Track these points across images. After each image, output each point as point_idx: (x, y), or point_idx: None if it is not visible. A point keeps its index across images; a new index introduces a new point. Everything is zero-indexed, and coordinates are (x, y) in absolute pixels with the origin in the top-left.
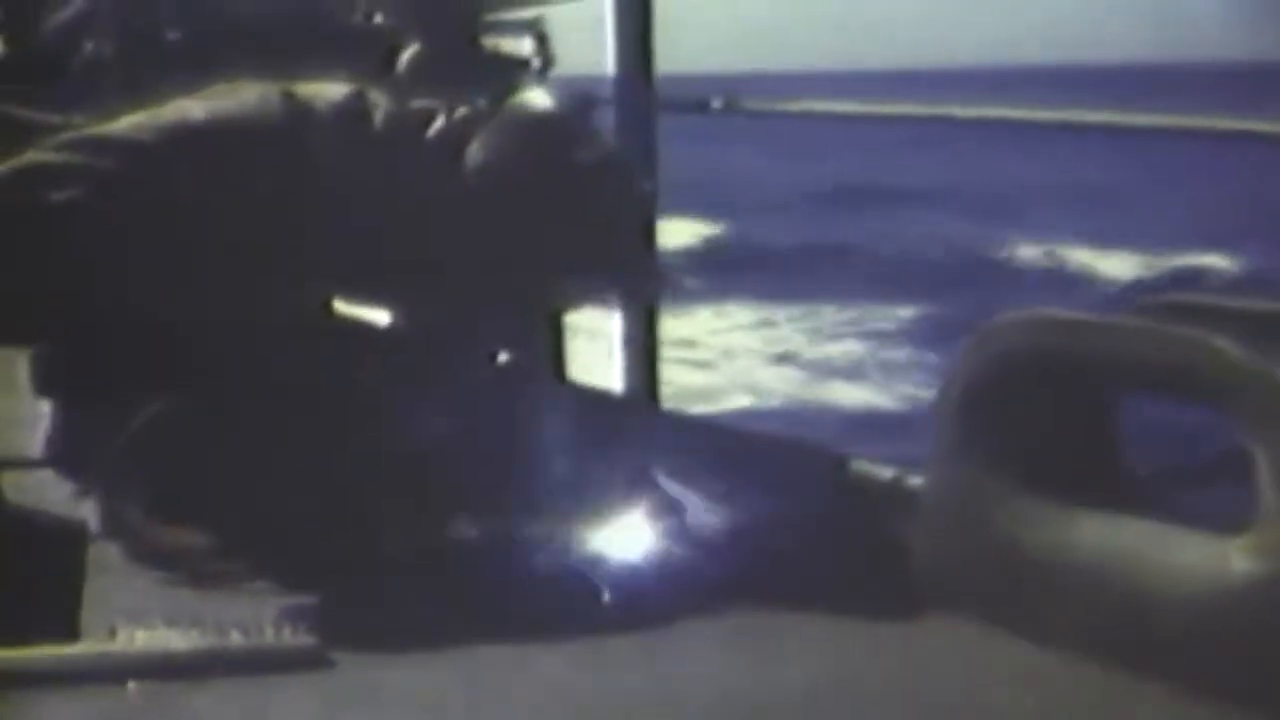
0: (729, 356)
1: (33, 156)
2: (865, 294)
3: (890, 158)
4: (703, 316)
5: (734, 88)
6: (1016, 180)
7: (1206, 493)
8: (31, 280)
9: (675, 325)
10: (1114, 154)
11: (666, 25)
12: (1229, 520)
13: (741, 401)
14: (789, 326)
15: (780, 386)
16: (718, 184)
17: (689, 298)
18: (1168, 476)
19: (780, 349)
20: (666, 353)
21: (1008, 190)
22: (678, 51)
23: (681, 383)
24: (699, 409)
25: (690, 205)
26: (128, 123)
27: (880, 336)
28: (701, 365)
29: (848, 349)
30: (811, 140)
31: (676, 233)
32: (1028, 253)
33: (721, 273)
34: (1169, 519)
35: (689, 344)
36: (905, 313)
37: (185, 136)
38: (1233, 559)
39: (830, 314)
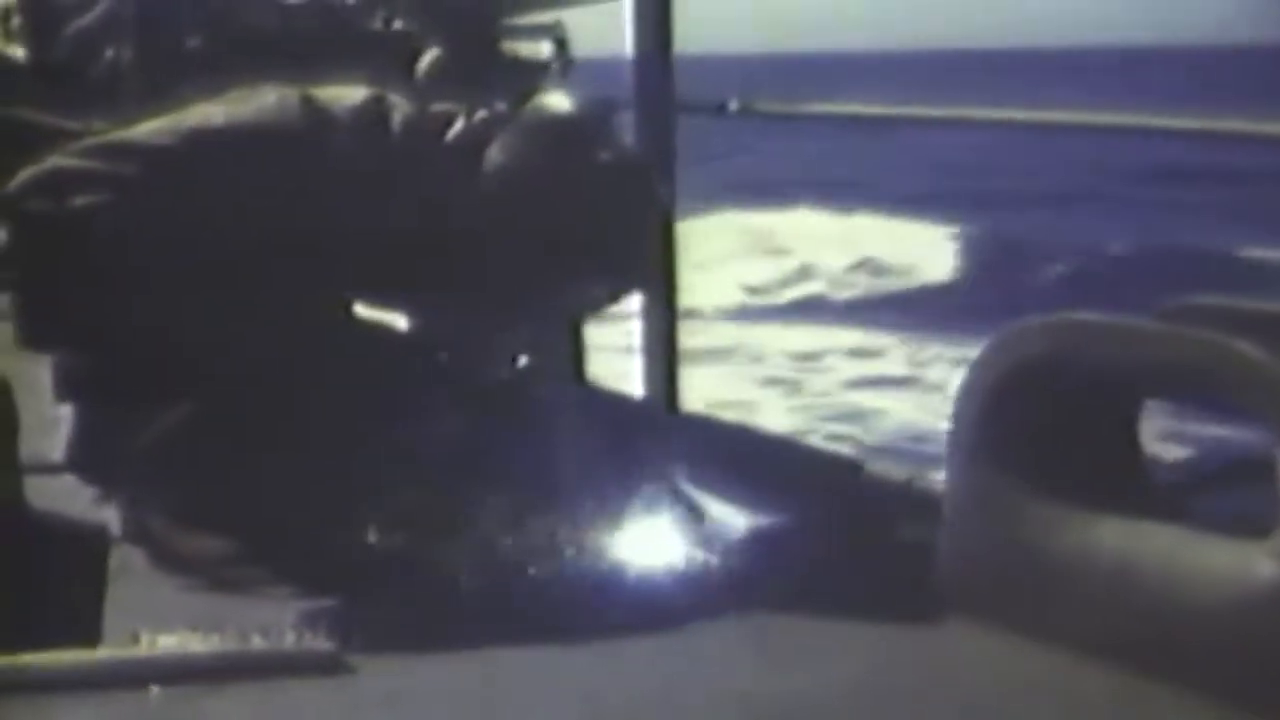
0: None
1: (54, 162)
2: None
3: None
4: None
5: (758, 71)
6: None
7: (1229, 496)
8: (53, 286)
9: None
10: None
11: (686, 7)
12: (1252, 524)
13: None
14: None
15: None
16: (855, 179)
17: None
18: (1190, 480)
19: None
20: (852, 373)
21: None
22: (698, 34)
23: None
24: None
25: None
26: (148, 128)
27: None
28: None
29: None
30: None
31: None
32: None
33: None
34: (1192, 524)
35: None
36: None
37: (206, 141)
38: (1256, 563)
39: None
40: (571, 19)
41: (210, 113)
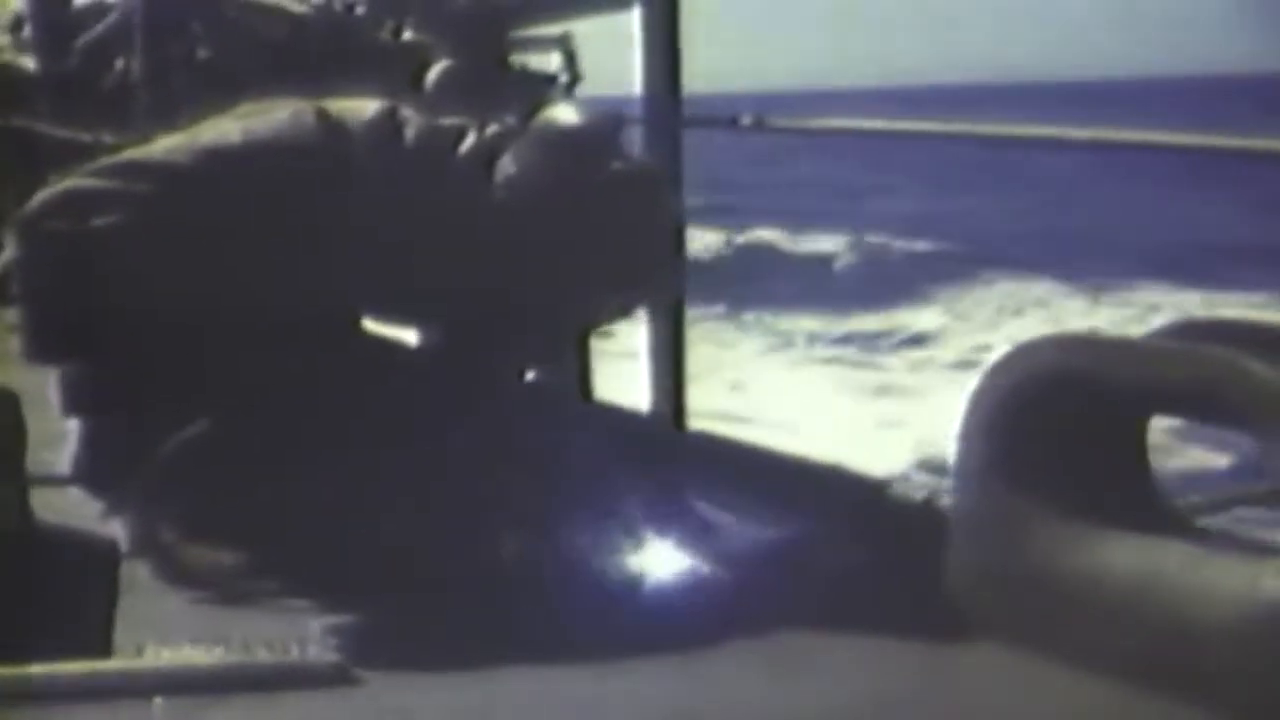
0: None
1: (72, 182)
2: None
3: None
4: None
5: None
6: None
7: (1237, 513)
8: (64, 301)
9: None
10: None
11: (693, 44)
12: (1260, 542)
13: None
14: None
15: None
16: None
17: None
18: (1198, 497)
19: None
20: None
21: None
22: (705, 70)
23: None
24: None
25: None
26: (164, 146)
27: None
28: None
29: None
30: None
31: None
32: None
33: None
34: (1199, 541)
35: None
36: None
37: (221, 158)
38: (1266, 581)
39: None
40: (580, 30)
41: (226, 129)
